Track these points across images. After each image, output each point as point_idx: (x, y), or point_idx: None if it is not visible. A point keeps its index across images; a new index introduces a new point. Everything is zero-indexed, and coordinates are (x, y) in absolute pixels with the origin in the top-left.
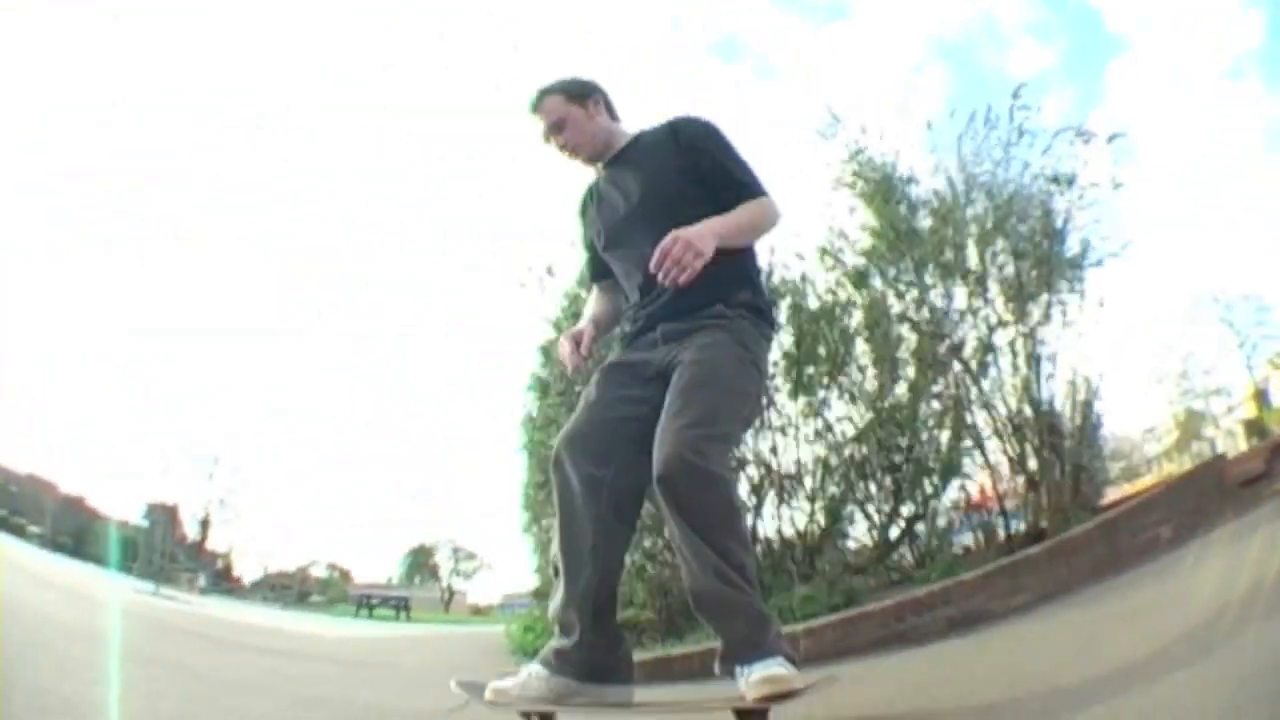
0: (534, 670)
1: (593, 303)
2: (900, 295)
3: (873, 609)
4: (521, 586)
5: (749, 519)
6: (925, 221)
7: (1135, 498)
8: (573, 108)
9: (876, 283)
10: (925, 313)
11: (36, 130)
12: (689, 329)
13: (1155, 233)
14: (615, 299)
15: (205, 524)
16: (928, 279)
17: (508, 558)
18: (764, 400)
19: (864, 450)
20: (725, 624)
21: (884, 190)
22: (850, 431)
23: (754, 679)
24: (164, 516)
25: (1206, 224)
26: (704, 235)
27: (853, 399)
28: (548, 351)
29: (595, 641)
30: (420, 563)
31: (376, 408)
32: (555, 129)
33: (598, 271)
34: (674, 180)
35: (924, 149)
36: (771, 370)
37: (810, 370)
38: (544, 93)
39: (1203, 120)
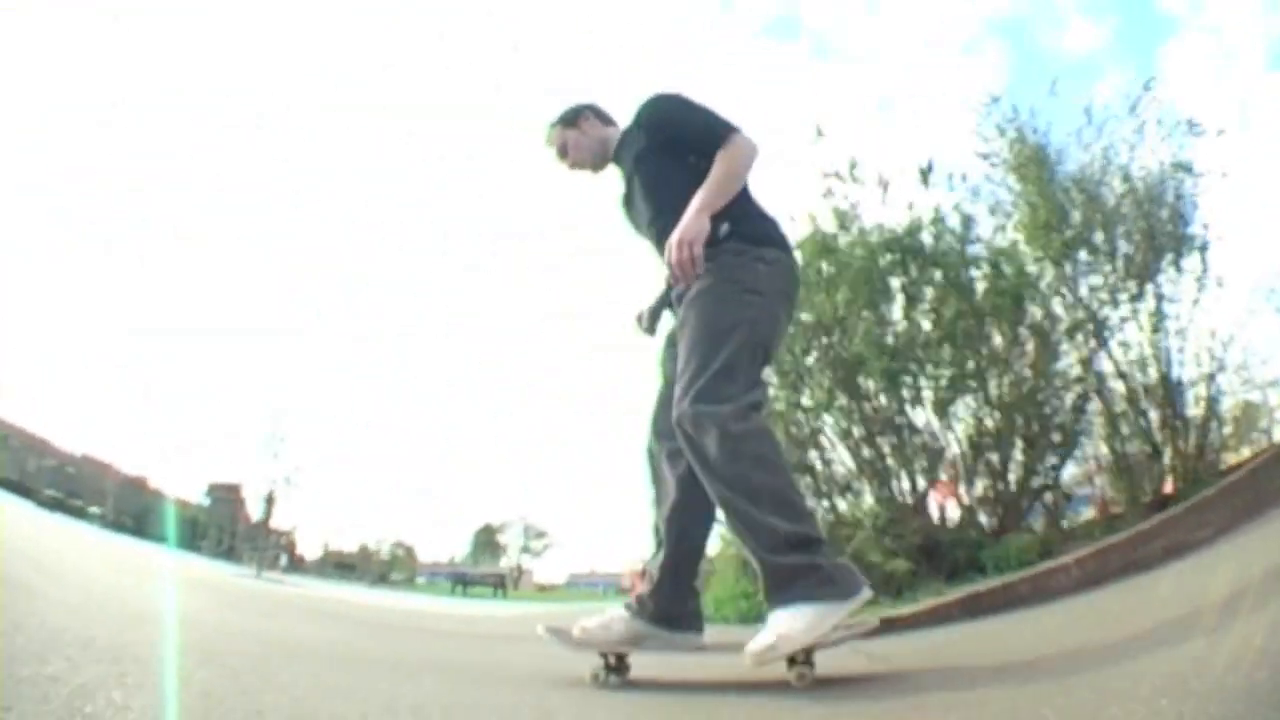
0: (616, 614)
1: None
2: (1058, 269)
3: (1120, 539)
4: (585, 566)
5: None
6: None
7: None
8: (568, 132)
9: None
10: (1066, 288)
11: (41, 130)
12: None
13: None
14: None
15: (270, 502)
16: (1081, 256)
17: (574, 536)
18: (791, 306)
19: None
20: (760, 562)
21: (1037, 167)
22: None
23: (753, 647)
24: (228, 496)
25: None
26: (690, 225)
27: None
28: None
29: (670, 594)
30: (486, 541)
31: (439, 386)
32: (561, 155)
33: None
34: (650, 165)
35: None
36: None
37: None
38: (549, 127)
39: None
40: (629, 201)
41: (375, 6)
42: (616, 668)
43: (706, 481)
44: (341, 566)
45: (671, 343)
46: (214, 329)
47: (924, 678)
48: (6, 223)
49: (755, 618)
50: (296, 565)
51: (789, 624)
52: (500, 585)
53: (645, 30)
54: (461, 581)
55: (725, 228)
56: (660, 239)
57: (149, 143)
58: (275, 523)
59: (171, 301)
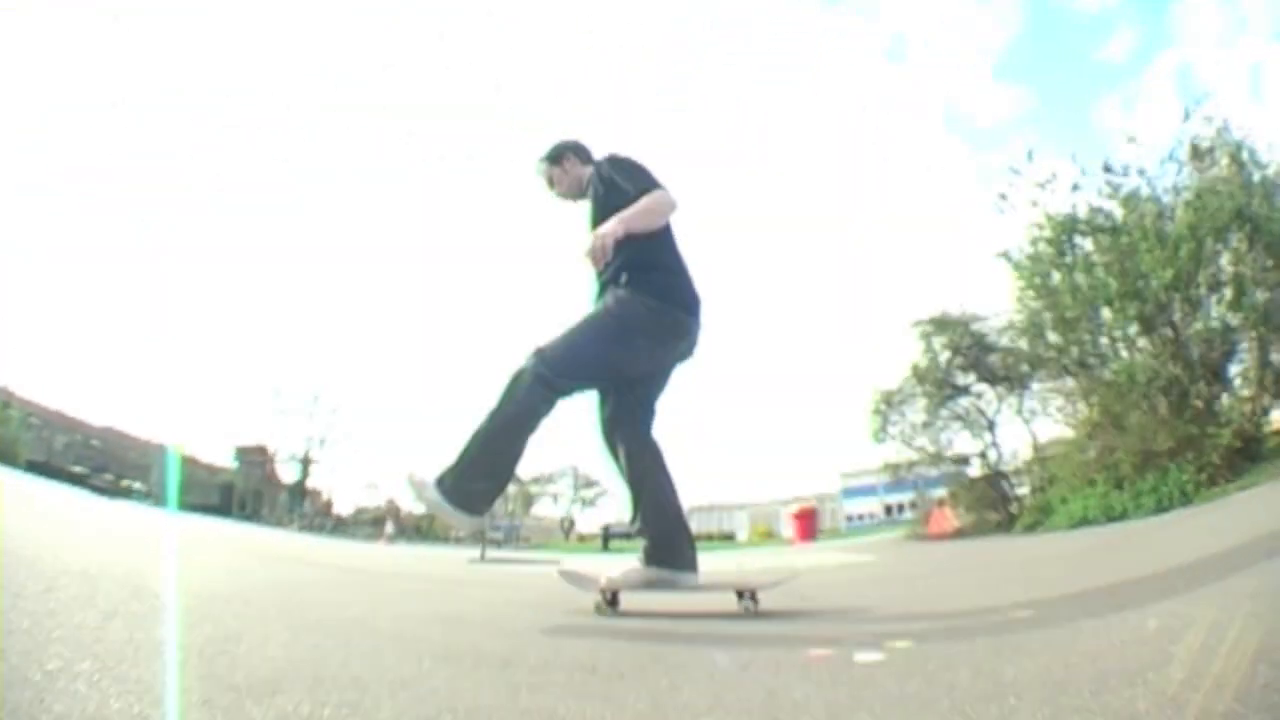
0: (633, 565)
1: None
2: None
3: None
4: (621, 516)
5: None
6: None
7: None
8: (553, 168)
9: None
10: None
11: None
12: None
13: None
14: None
15: (306, 463)
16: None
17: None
18: (658, 349)
19: None
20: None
21: (1238, 163)
22: None
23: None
24: (258, 459)
25: None
26: (609, 225)
27: None
28: None
29: (664, 542)
30: (531, 492)
31: (469, 336)
32: (548, 185)
33: None
34: (602, 205)
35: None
36: None
37: None
38: (539, 161)
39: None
40: (594, 227)
41: (375, 7)
42: (612, 602)
43: None
44: (376, 523)
45: None
46: (233, 297)
47: None
48: (17, 201)
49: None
50: (339, 525)
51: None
52: None
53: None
54: (607, 536)
55: (624, 276)
56: None
57: (158, 137)
58: (311, 484)
59: (186, 271)
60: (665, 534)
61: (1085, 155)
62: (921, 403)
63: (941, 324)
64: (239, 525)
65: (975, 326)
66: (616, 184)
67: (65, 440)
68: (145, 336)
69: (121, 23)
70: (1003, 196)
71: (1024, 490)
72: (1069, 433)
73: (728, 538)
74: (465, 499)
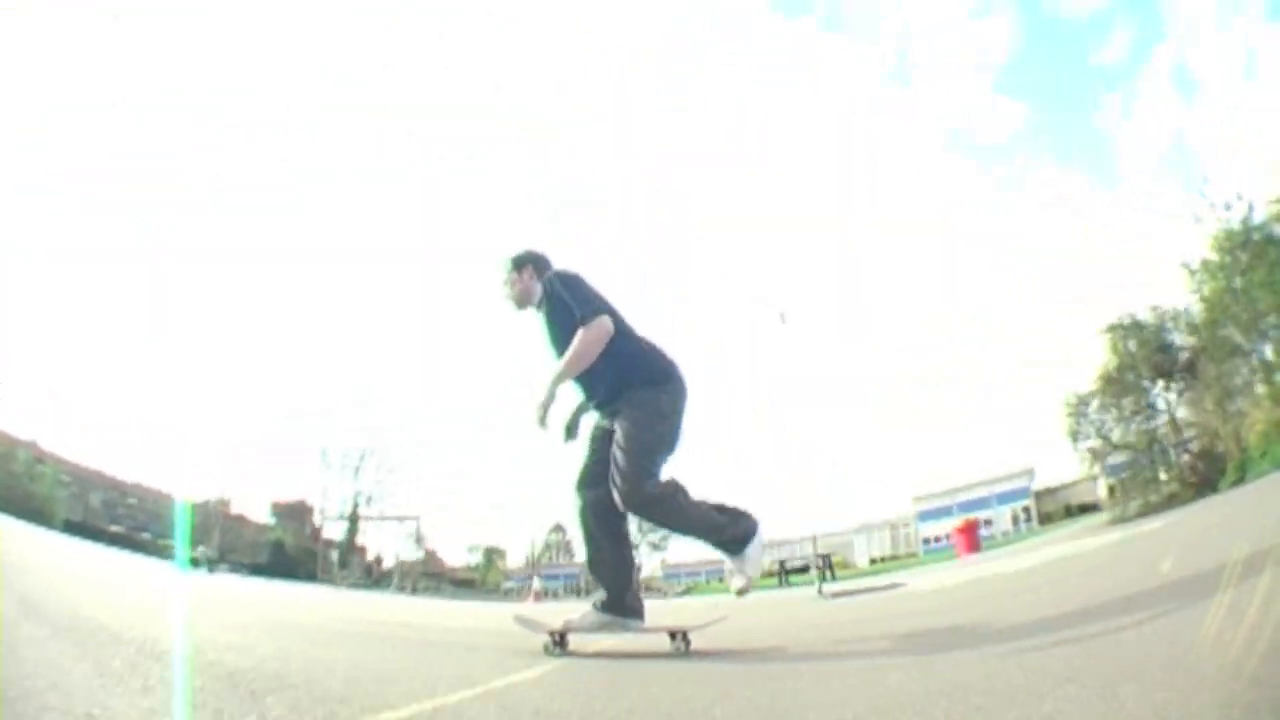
0: (586, 610)
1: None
2: None
3: None
4: (686, 556)
5: None
6: None
7: None
8: (514, 273)
9: None
10: None
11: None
12: (614, 407)
13: None
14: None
15: (354, 520)
16: None
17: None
18: (680, 422)
19: None
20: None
21: None
22: None
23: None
24: (296, 514)
25: None
26: (539, 395)
27: None
28: None
29: (618, 595)
30: (560, 540)
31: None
32: (506, 285)
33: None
34: (550, 322)
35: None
36: None
37: None
38: (506, 260)
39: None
40: (547, 338)
41: (375, 6)
42: (560, 643)
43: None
44: (430, 576)
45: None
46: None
47: None
48: (24, 242)
49: None
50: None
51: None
52: (828, 566)
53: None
54: (783, 571)
55: (622, 387)
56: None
57: (177, 140)
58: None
59: (203, 312)
60: (623, 585)
61: (1083, 161)
62: (1115, 400)
63: (1132, 327)
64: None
65: (1154, 325)
66: (565, 304)
67: (101, 498)
68: (184, 390)
69: (121, 23)
70: (1197, 219)
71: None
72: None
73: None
74: (622, 608)
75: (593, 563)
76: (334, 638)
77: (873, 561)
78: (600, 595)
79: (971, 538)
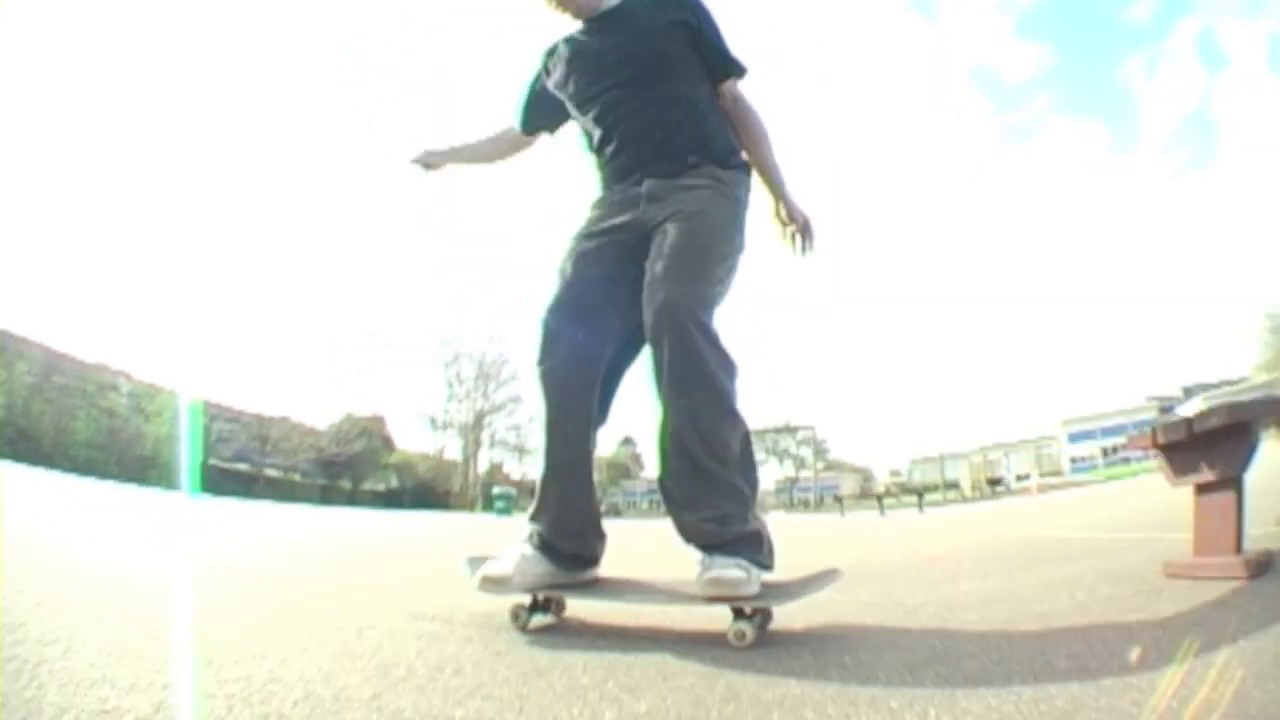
0: (528, 555)
1: (493, 138)
2: None
3: None
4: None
5: None
6: None
7: None
8: None
9: None
10: None
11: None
12: (676, 186)
13: None
14: (514, 151)
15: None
16: None
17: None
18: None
19: None
20: (695, 502)
21: None
22: None
23: (707, 576)
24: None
25: None
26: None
27: None
28: None
29: (575, 530)
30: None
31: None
32: None
33: (533, 123)
34: (663, 41)
35: None
36: None
37: None
38: None
39: None
40: (594, 62)
41: (375, 6)
42: (540, 606)
43: (679, 403)
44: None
45: (604, 232)
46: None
47: None
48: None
49: None
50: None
51: (733, 571)
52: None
53: None
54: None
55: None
56: (627, 104)
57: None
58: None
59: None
60: (585, 514)
61: (1111, 116)
62: None
63: None
64: None
65: None
66: (702, 35)
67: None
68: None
69: (122, 22)
70: None
71: None
72: None
73: (952, 486)
74: (578, 554)
75: (555, 470)
76: None
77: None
78: (538, 530)
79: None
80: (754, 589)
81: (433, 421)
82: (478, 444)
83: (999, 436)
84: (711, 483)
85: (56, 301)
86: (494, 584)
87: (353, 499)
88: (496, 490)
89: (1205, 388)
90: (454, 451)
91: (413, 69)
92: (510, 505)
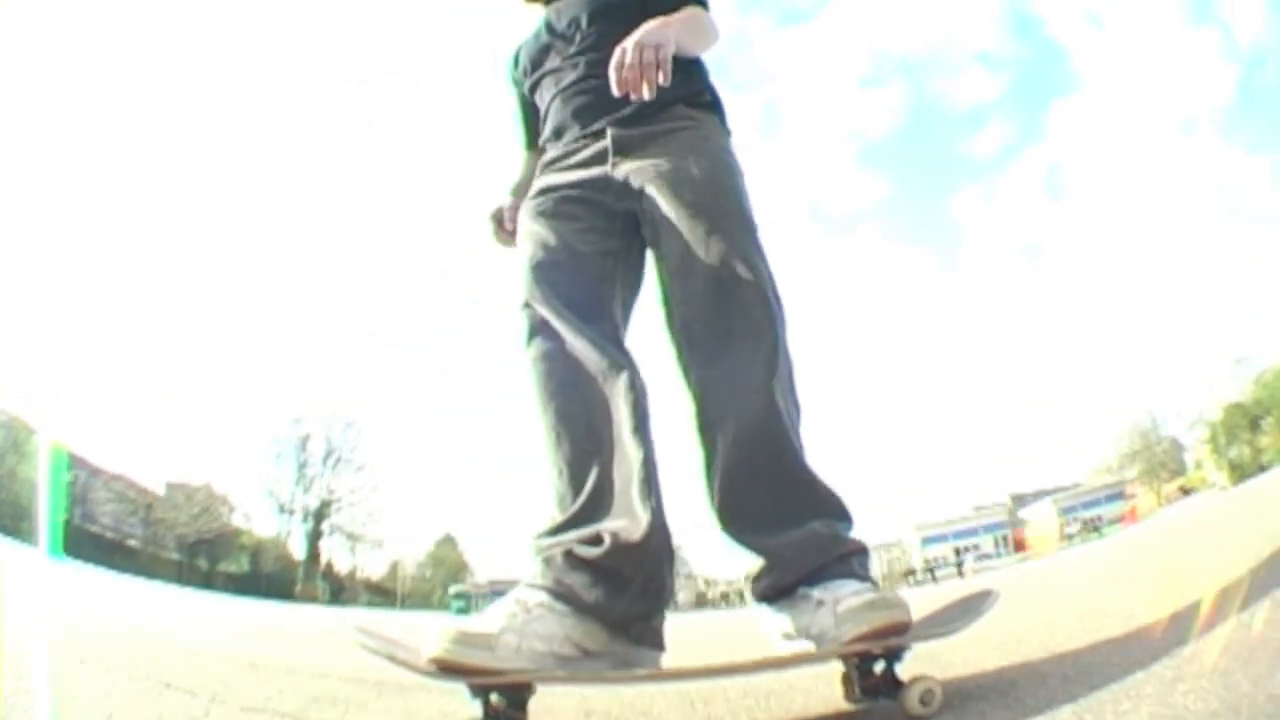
0: (537, 612)
1: (525, 171)
2: None
3: None
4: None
5: None
6: None
7: None
8: None
9: None
10: None
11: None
12: (648, 134)
13: None
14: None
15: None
16: None
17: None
18: None
19: None
20: (788, 516)
21: None
22: None
23: (855, 604)
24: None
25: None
26: (661, 32)
27: None
28: None
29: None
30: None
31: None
32: None
33: (536, 139)
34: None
35: None
36: None
37: None
38: None
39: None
40: (548, 30)
41: (375, 6)
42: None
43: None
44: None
45: (568, 194)
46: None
47: None
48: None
49: None
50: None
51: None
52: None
53: None
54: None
55: (705, 86)
56: (579, 54)
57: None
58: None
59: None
60: (654, 553)
61: (941, 243)
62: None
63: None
64: None
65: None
66: None
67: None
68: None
69: (121, 23)
70: None
71: None
72: None
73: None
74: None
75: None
76: None
77: None
78: (548, 577)
79: None
80: (910, 615)
81: (280, 506)
82: (319, 534)
83: None
84: (810, 485)
85: None
86: (463, 649)
87: (208, 581)
88: (454, 589)
89: (1042, 494)
90: (299, 538)
91: (413, 69)
92: (469, 606)
